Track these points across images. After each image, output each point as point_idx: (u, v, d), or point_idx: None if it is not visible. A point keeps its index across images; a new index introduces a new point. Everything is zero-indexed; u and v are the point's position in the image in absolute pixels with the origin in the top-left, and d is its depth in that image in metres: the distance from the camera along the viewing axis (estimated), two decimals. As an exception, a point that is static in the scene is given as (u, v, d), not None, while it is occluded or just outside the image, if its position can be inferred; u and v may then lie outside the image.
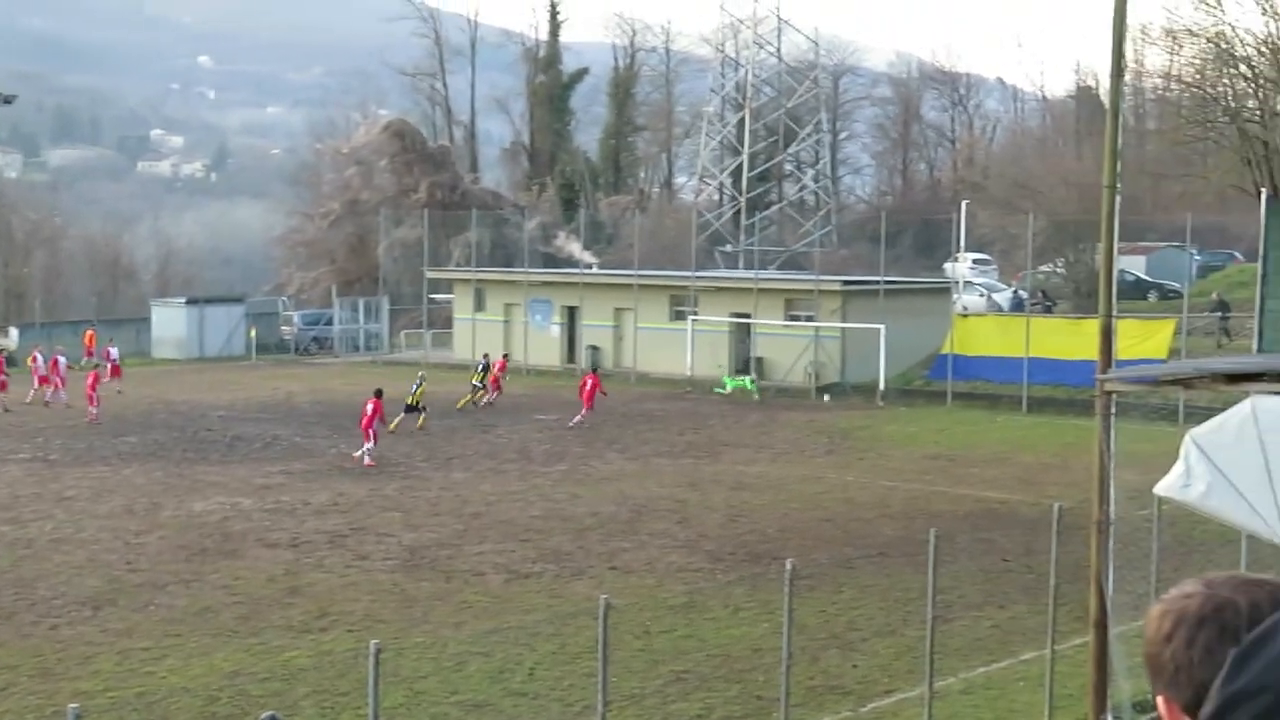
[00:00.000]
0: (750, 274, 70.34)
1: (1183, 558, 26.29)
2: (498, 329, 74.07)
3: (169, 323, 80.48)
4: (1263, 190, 31.53)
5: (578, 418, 51.01)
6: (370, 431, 41.93)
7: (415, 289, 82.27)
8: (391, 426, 46.93)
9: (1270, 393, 12.06)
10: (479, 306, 75.54)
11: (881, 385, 59.14)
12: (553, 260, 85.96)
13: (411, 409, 49.54)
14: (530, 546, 30.78)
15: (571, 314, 72.43)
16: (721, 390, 60.47)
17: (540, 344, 71.62)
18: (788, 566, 17.79)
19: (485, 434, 48.54)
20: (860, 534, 32.50)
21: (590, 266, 76.87)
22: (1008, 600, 26.62)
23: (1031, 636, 23.38)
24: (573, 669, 21.36)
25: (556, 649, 22.50)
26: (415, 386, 50.29)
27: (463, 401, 55.52)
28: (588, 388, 51.89)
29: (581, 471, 41.02)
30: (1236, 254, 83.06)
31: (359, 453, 42.14)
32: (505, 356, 60.44)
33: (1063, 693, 20.41)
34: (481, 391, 56.40)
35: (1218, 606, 2.43)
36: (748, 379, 61.85)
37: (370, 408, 42.26)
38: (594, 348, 70.05)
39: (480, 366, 57.84)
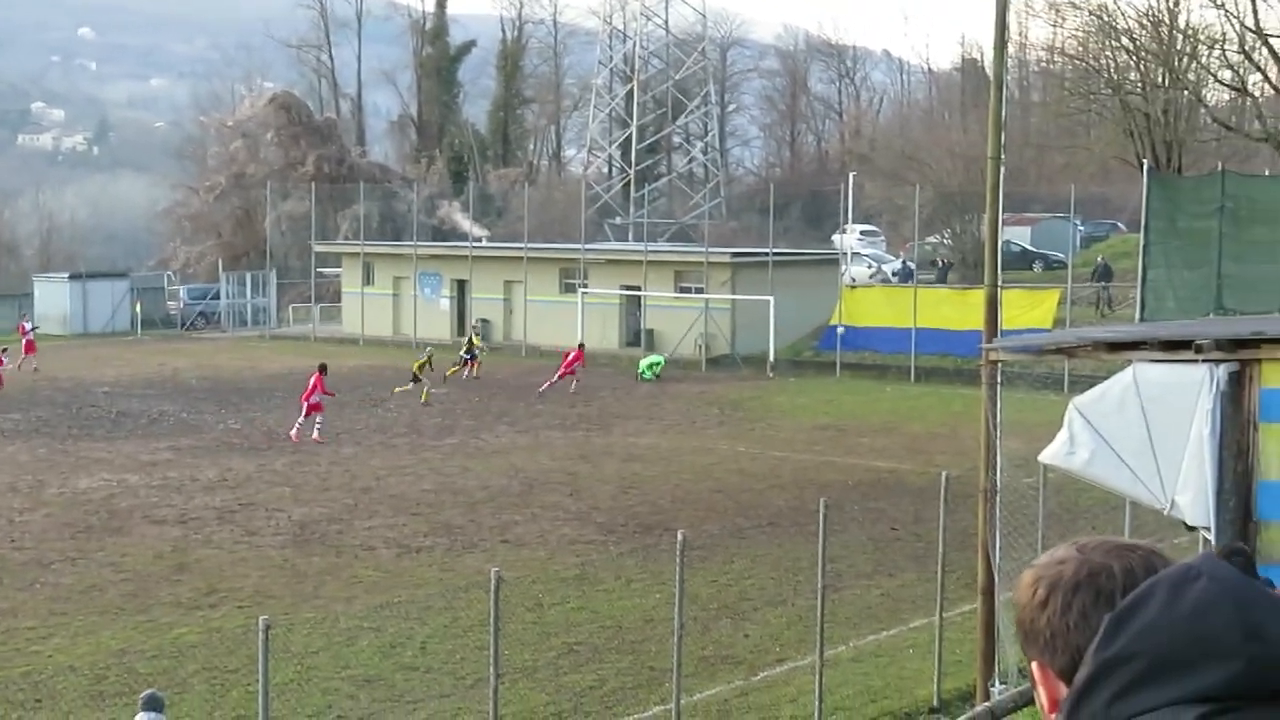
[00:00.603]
0: (640, 246, 70.37)
1: (1068, 524, 26.61)
2: (386, 303, 73.69)
3: (52, 298, 79.37)
4: (1144, 161, 31.95)
5: (546, 385, 52.10)
6: (307, 404, 41.59)
7: (303, 263, 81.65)
8: (396, 389, 48.90)
9: (1152, 361, 12.24)
10: (367, 280, 75.06)
11: (771, 357, 59.41)
12: (441, 233, 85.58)
13: (417, 379, 50.27)
14: (421, 520, 30.68)
15: (461, 287, 72.20)
16: (647, 377, 58.35)
17: (429, 317, 71.29)
18: (679, 537, 17.85)
19: (376, 408, 48.30)
20: (751, 504, 32.65)
21: (479, 240, 76.57)
22: (897, 569, 26.86)
23: (920, 604, 23.63)
24: (465, 642, 21.32)
25: (448, 623, 22.46)
26: (422, 356, 51.23)
27: (451, 370, 55.25)
28: (569, 359, 52.79)
29: (472, 445, 40.92)
30: (1119, 224, 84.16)
31: (295, 429, 41.45)
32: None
33: (951, 659, 20.65)
34: (473, 364, 55.88)
35: (1092, 572, 2.42)
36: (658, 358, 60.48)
37: (312, 382, 41.90)
38: (483, 321, 69.80)
39: (471, 337, 57.61)
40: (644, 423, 45.55)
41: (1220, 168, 32.25)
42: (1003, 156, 19.21)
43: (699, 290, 64.23)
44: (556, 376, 52.39)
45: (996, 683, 18.60)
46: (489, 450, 40.04)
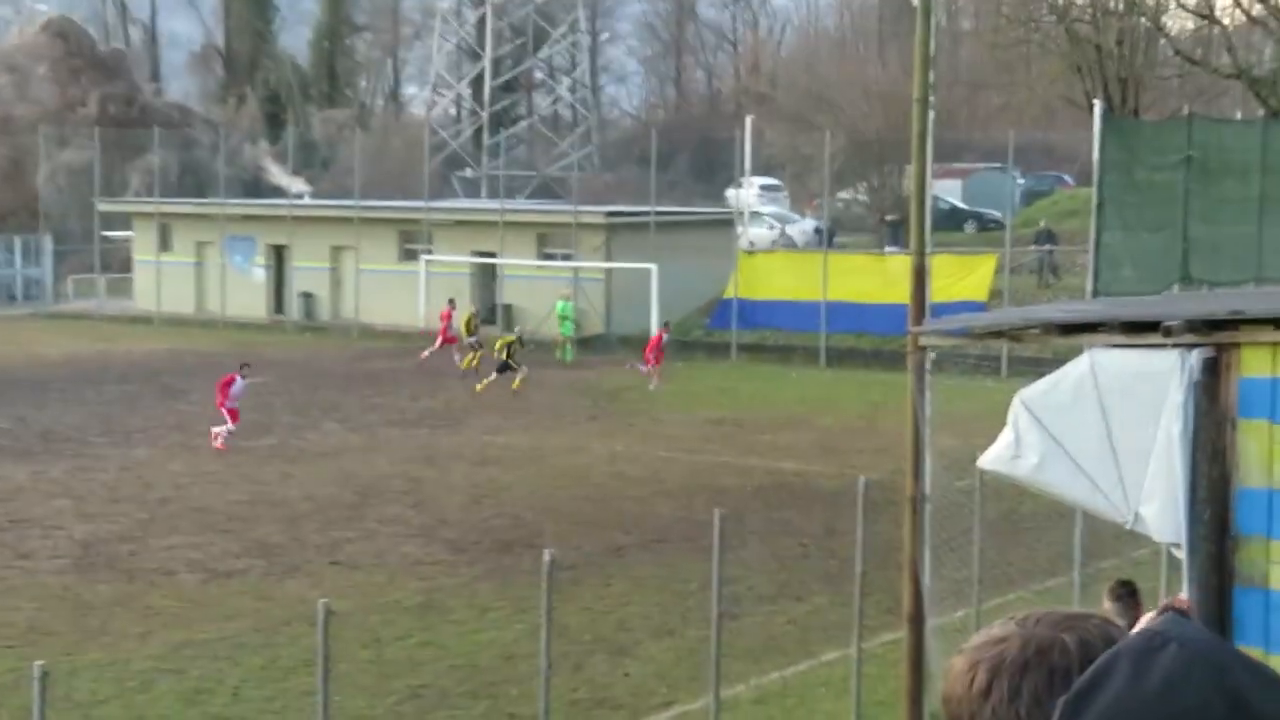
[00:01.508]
0: (495, 204, 70.23)
1: (1009, 537, 26.89)
2: (188, 273, 72.96)
3: None
4: (1095, 102, 32.17)
5: (653, 378, 51.66)
6: (227, 409, 40.65)
7: (85, 225, 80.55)
8: (479, 388, 48.85)
9: (1112, 346, 12.32)
10: (165, 246, 74.27)
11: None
12: (256, 189, 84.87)
13: (506, 366, 49.70)
14: (232, 538, 30.40)
15: (279, 254, 71.66)
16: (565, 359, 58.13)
17: (241, 291, 70.67)
18: (546, 557, 17.77)
19: (173, 401, 47.83)
20: (632, 515, 32.65)
21: (301, 196, 76.09)
22: (806, 591, 26.95)
23: (834, 633, 23.69)
24: (286, 687, 21.15)
25: (266, 663, 22.26)
26: (509, 344, 50.51)
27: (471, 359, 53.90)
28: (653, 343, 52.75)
29: (294, 446, 40.65)
30: (1066, 177, 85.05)
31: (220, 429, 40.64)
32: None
33: (872, 699, 20.74)
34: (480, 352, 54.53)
35: (1040, 649, 2.44)
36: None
37: (224, 382, 41.12)
38: (307, 295, 69.35)
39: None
40: (501, 418, 45.44)
41: (1186, 110, 32.57)
42: (931, 99, 19.28)
43: (567, 257, 64.18)
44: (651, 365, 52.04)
45: (926, 728, 18.71)
46: (314, 452, 39.78)
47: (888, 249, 64.59)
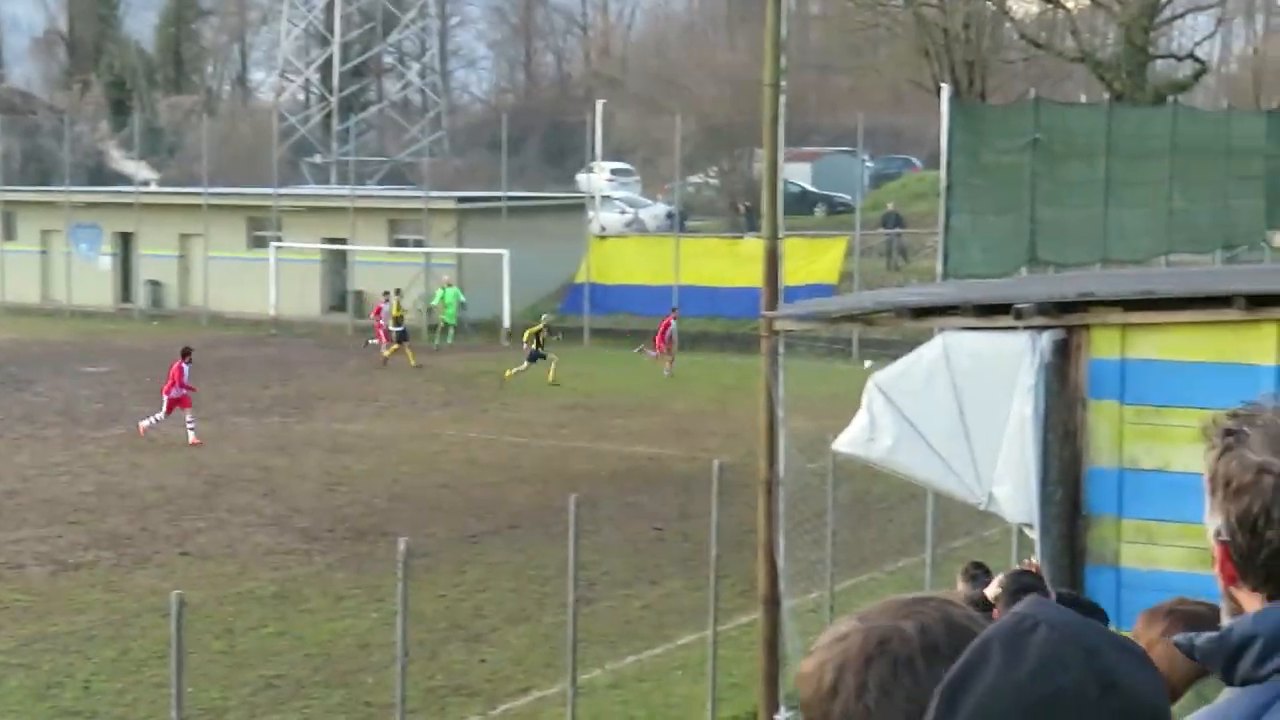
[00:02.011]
0: (346, 190, 69.77)
1: (860, 517, 27.10)
2: (33, 262, 71.98)
3: None
4: (943, 86, 32.37)
5: (665, 364, 51.60)
6: (168, 399, 39.58)
7: (-75, 213, 79.29)
8: (508, 372, 48.34)
9: (964, 329, 12.41)
10: (8, 235, 73.22)
11: (506, 322, 59.35)
12: (101, 176, 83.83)
13: (538, 355, 49.24)
14: (80, 530, 30.08)
15: (126, 242, 70.83)
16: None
17: (87, 280, 69.75)
18: (401, 545, 17.68)
19: (18, 391, 47.18)
20: (485, 502, 32.63)
21: (148, 183, 75.24)
22: (660, 575, 27.03)
23: (689, 617, 23.79)
24: (138, 679, 20.98)
25: (117, 655, 22.07)
26: (536, 332, 49.87)
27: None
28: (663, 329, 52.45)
29: (142, 436, 40.20)
30: (914, 160, 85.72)
31: (149, 422, 39.68)
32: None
33: (728, 682, 20.83)
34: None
35: (881, 639, 2.44)
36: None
37: (172, 372, 39.92)
38: (154, 283, 68.64)
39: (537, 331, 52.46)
40: (353, 405, 45.23)
41: (1033, 94, 32.89)
42: (783, 83, 19.33)
43: (418, 243, 63.90)
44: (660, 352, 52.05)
45: (782, 708, 18.78)
46: (163, 442, 39.35)
47: (747, 236, 64.76)
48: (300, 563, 27.73)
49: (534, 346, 49.59)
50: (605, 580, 26.24)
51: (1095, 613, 13.19)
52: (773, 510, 18.44)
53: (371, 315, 57.95)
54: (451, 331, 58.36)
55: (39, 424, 41.89)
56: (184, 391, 39.85)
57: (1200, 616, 5.32)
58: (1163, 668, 2.70)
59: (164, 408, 39.72)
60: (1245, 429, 2.66)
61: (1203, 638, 2.61)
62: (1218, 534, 2.67)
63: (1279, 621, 2.54)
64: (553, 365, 49.30)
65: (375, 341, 56.14)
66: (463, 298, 58.24)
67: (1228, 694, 2.58)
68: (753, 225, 64.21)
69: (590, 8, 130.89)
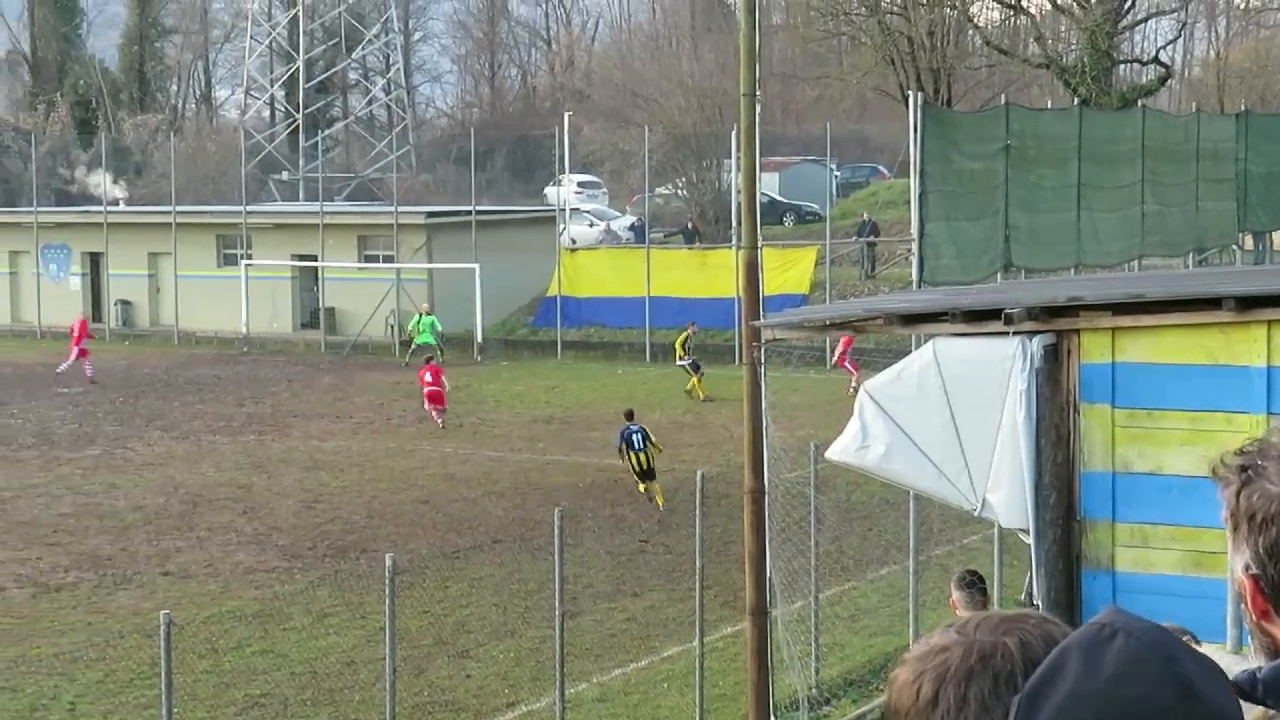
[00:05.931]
0: (314, 207, 69.63)
1: (842, 526, 27.11)
2: (2, 283, 71.76)
3: None
4: (911, 93, 32.40)
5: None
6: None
7: (-106, 237, 78.98)
8: (701, 394, 46.76)
9: (954, 335, 12.41)
10: (-23, 257, 73.02)
11: (479, 336, 59.30)
12: (68, 196, 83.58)
13: (696, 363, 48.14)
14: (60, 551, 29.98)
15: (95, 262, 70.60)
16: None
17: (58, 300, 69.48)
18: (388, 561, 17.67)
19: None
20: (465, 517, 32.60)
21: (116, 203, 75.00)
22: (644, 587, 27.01)
23: (675, 629, 23.79)
24: (123, 700, 20.93)
25: (102, 677, 21.99)
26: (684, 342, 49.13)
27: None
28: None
29: (119, 456, 40.10)
30: (881, 168, 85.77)
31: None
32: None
33: (715, 693, 20.82)
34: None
35: (983, 654, 2.43)
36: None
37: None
38: (124, 302, 68.44)
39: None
40: (329, 422, 45.14)
41: (1004, 100, 33.01)
42: (759, 93, 19.34)
43: (389, 259, 63.81)
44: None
45: (771, 718, 18.78)
46: (140, 462, 39.29)
47: (695, 246, 64.94)
48: (282, 581, 27.65)
49: (691, 357, 48.95)
50: (588, 593, 26.22)
51: (980, 583, 13.18)
52: (760, 521, 18.43)
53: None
54: (418, 349, 57.94)
55: (14, 446, 41.73)
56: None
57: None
58: None
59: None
60: (1260, 462, 2.70)
61: (1266, 671, 2.62)
62: (1246, 568, 2.69)
63: None
64: (698, 379, 48.19)
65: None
66: (439, 326, 58.01)
67: None
68: (722, 237, 64.20)
69: (554, 20, 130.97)
